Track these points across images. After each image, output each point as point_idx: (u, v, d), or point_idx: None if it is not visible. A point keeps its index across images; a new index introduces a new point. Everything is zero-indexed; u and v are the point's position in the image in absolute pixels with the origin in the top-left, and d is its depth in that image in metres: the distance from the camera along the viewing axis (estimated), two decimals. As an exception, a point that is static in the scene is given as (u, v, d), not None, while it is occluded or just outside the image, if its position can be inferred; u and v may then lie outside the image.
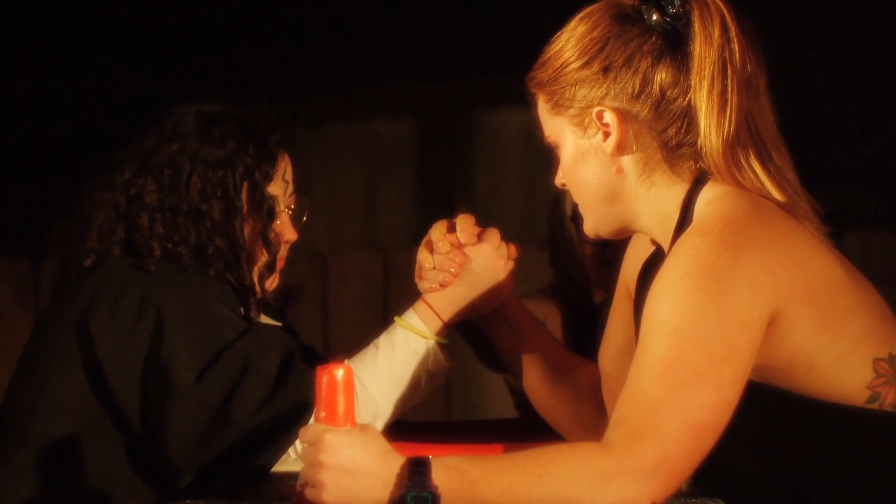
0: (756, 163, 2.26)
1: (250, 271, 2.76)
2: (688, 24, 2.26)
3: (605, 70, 2.27)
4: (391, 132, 5.78)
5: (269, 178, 2.78)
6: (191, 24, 5.49)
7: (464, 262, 2.58)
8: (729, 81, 2.23)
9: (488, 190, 5.68)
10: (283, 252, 2.83)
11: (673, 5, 2.28)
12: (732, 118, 2.24)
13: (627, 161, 2.30)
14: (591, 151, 2.31)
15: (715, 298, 2.10)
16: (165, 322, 2.61)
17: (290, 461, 2.60)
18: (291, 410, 2.54)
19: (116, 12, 5.43)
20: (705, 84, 2.24)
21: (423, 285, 2.62)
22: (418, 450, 2.11)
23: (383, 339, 2.63)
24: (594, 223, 2.37)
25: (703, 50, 2.24)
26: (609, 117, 2.28)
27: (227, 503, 2.42)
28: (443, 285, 2.59)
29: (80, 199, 2.81)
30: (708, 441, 2.09)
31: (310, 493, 2.06)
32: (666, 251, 2.30)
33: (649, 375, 2.08)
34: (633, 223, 2.34)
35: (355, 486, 2.02)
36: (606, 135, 2.29)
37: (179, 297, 2.64)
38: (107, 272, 2.69)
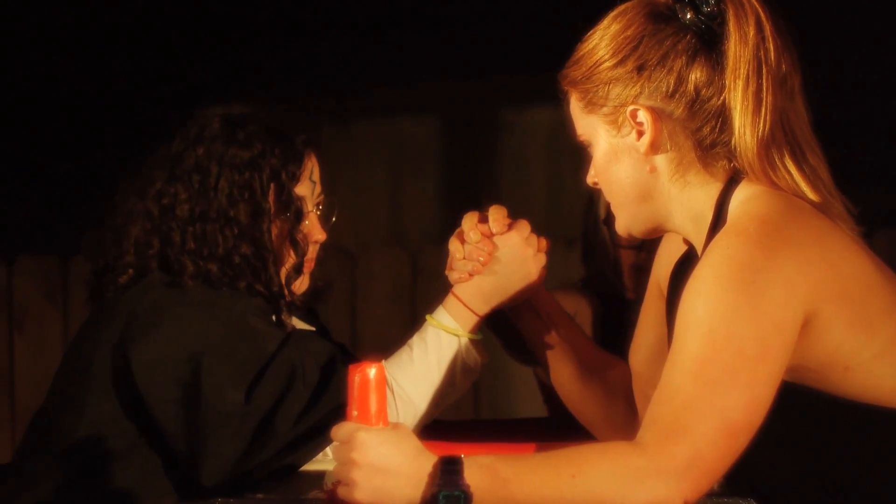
0: (790, 162, 2.25)
1: (278, 274, 2.76)
2: (723, 22, 2.25)
3: (640, 68, 2.27)
4: (417, 130, 5.78)
5: (295, 178, 2.77)
6: (216, 22, 5.49)
7: (493, 251, 2.58)
8: (764, 81, 2.23)
9: (514, 187, 5.67)
10: (311, 253, 2.81)
11: (708, 4, 2.27)
12: (767, 118, 2.23)
13: (661, 160, 2.29)
14: (624, 150, 2.31)
15: (749, 298, 2.10)
16: (205, 346, 2.61)
17: (320, 459, 2.61)
18: (330, 414, 2.54)
19: (146, 13, 5.44)
20: (740, 83, 2.23)
21: (453, 275, 2.62)
22: (450, 449, 2.12)
23: (416, 339, 2.64)
24: (627, 222, 2.36)
25: (738, 49, 2.23)
26: (643, 116, 2.28)
27: (258, 500, 2.42)
28: (472, 274, 2.60)
29: (110, 208, 2.81)
30: (741, 441, 2.08)
31: (342, 491, 2.06)
32: (699, 251, 2.29)
33: (683, 375, 2.08)
34: (665, 222, 2.34)
35: (387, 485, 2.02)
36: (640, 133, 2.29)
37: (216, 317, 2.64)
38: (142, 294, 2.69)
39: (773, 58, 2.24)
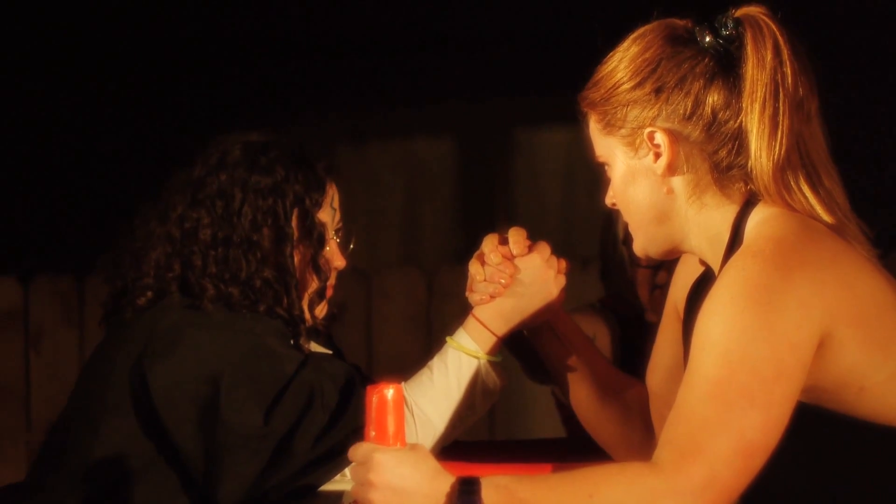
0: (806, 185, 2.25)
1: (300, 299, 2.76)
2: (740, 46, 2.26)
3: (658, 91, 2.28)
4: (432, 150, 5.79)
5: (318, 205, 2.78)
6: (233, 44, 5.51)
7: (514, 273, 2.59)
8: (780, 104, 2.23)
9: (529, 207, 5.68)
10: (332, 279, 2.83)
11: (726, 27, 2.28)
12: (783, 141, 2.24)
13: (678, 182, 2.30)
14: (641, 172, 2.32)
15: (765, 319, 2.10)
16: (224, 367, 2.61)
17: (337, 480, 2.61)
18: (348, 436, 2.54)
19: (164, 33, 5.46)
20: (757, 107, 2.23)
21: (473, 297, 2.62)
22: (467, 469, 2.11)
23: (436, 361, 2.64)
24: (644, 243, 2.37)
25: (756, 73, 2.24)
26: (660, 138, 2.28)
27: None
28: (493, 296, 2.60)
29: (128, 231, 2.82)
30: (757, 462, 2.08)
31: (359, 512, 2.07)
32: (716, 272, 2.30)
33: (699, 395, 2.08)
34: (682, 244, 2.34)
35: (405, 506, 2.02)
36: (657, 155, 2.29)
37: (235, 339, 2.65)
38: (161, 315, 2.69)
39: (790, 81, 2.24)
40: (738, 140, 2.25)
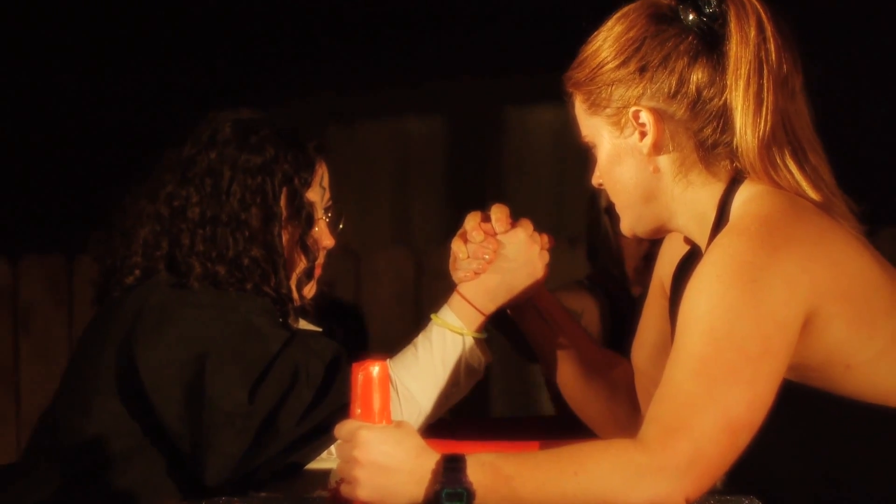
0: (792, 162, 2.26)
1: (288, 278, 2.76)
2: (724, 23, 2.26)
3: (642, 70, 2.27)
4: (422, 130, 5.78)
5: (307, 184, 2.78)
6: (221, 23, 5.50)
7: (497, 248, 2.59)
8: (765, 81, 2.23)
9: (519, 187, 5.67)
10: (320, 259, 2.83)
11: (709, 5, 2.28)
12: (768, 118, 2.24)
13: (664, 161, 2.30)
14: (627, 151, 2.31)
15: (752, 297, 2.10)
16: (209, 347, 2.61)
17: (324, 458, 2.61)
18: (334, 413, 2.55)
19: (151, 12, 5.45)
20: (741, 84, 2.23)
21: (457, 275, 2.63)
22: (453, 447, 2.11)
23: (421, 339, 2.64)
24: (631, 222, 2.37)
25: (740, 50, 2.24)
26: (645, 117, 2.28)
27: (262, 499, 2.43)
28: (477, 273, 2.60)
29: (118, 210, 2.82)
30: (743, 439, 2.08)
31: (345, 489, 2.06)
32: (703, 250, 2.30)
33: (685, 372, 2.09)
34: (669, 222, 2.34)
35: (390, 483, 2.02)
36: (643, 134, 2.29)
37: (220, 317, 2.65)
38: (148, 294, 2.69)
39: (773, 58, 2.24)
40: (723, 117, 2.25)
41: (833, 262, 2.18)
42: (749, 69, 2.24)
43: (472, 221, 2.60)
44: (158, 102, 5.34)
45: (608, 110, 2.31)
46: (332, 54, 5.56)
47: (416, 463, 2.03)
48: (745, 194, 2.25)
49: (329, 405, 2.59)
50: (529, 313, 2.63)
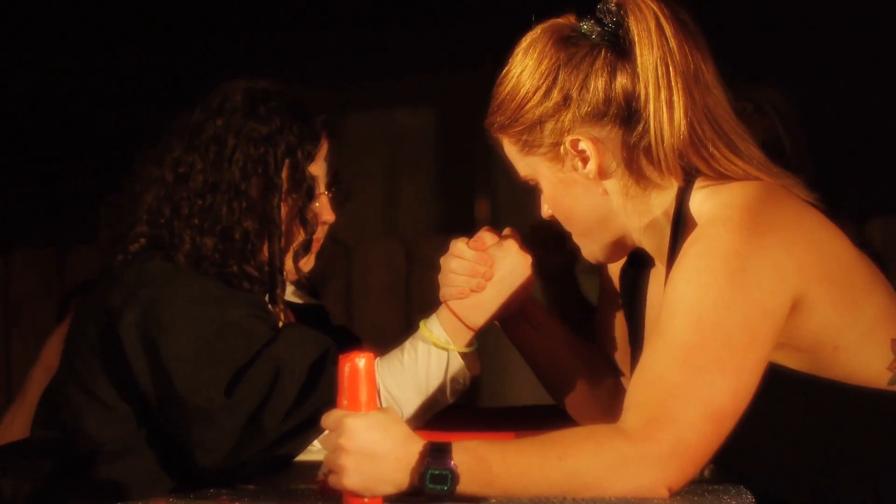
0: (728, 153, 2.23)
1: (284, 251, 2.76)
2: (627, 30, 2.22)
3: (566, 98, 2.23)
4: (412, 122, 5.78)
5: (310, 157, 2.76)
6: (210, 14, 5.50)
7: (493, 265, 2.52)
8: (673, 81, 2.19)
9: (508, 179, 5.67)
10: (319, 233, 2.82)
11: (609, 14, 2.24)
12: (681, 117, 2.20)
13: (610, 180, 2.27)
14: (572, 181, 2.28)
15: (739, 286, 2.10)
16: (189, 345, 2.61)
17: (313, 451, 2.62)
18: (320, 408, 2.54)
19: (140, 4, 5.45)
20: (651, 88, 2.20)
21: (449, 292, 2.55)
22: (437, 436, 2.12)
23: (408, 346, 2.61)
24: (591, 249, 2.34)
25: (644, 53, 2.20)
26: (584, 144, 2.25)
27: (251, 491, 2.43)
28: (474, 291, 2.53)
29: (129, 175, 2.81)
30: (726, 427, 2.09)
31: (332, 479, 2.06)
32: (663, 257, 2.28)
33: (668, 360, 2.09)
34: (626, 239, 2.32)
35: (376, 470, 2.03)
36: (585, 161, 2.26)
37: (203, 315, 2.63)
38: (138, 275, 2.68)
39: (678, 57, 2.20)
40: (652, 123, 2.20)
41: (814, 244, 2.19)
42: (657, 72, 2.19)
43: (459, 245, 2.53)
44: (152, 95, 5.34)
45: (542, 148, 2.27)
46: (322, 46, 5.56)
47: (403, 450, 2.04)
48: (705, 192, 2.23)
49: (316, 401, 2.58)
50: (519, 322, 2.59)
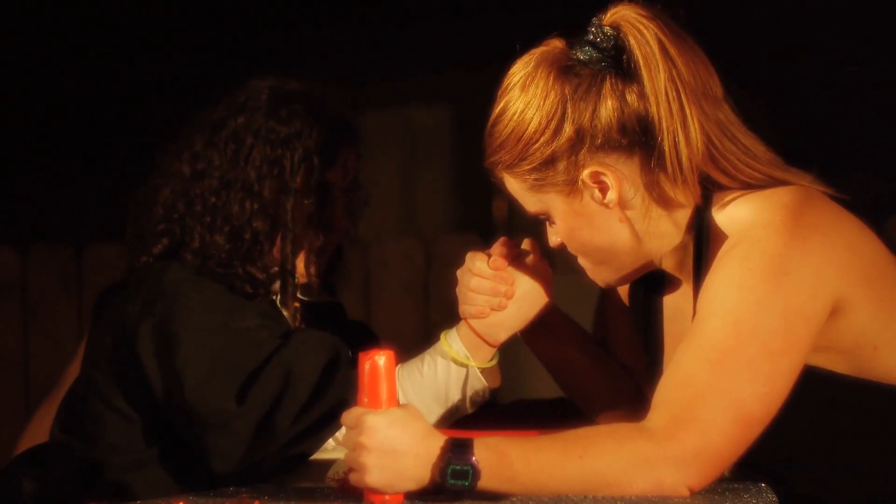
0: (749, 160, 2.21)
1: (295, 255, 2.75)
2: (630, 53, 2.17)
3: (578, 132, 2.17)
4: (429, 119, 5.77)
5: (327, 163, 2.74)
6: (227, 11, 5.50)
7: (513, 282, 2.45)
8: (684, 99, 2.15)
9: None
10: (332, 239, 2.80)
11: (604, 38, 2.18)
12: (699, 133, 2.16)
13: (629, 206, 2.22)
14: (591, 212, 2.23)
15: (781, 290, 2.08)
16: (200, 356, 2.60)
17: (329, 449, 2.61)
18: (332, 409, 2.54)
19: (152, 4, 5.45)
20: (664, 109, 2.15)
21: (469, 310, 2.48)
22: (458, 433, 2.12)
23: (429, 357, 2.58)
24: (607, 277, 2.30)
25: (653, 75, 2.15)
26: (602, 175, 2.20)
27: (270, 489, 2.43)
28: (495, 310, 2.47)
29: (150, 168, 2.80)
30: (754, 432, 2.08)
31: (353, 477, 2.06)
32: (689, 274, 2.25)
33: (701, 361, 2.07)
34: (646, 262, 2.28)
35: (397, 467, 2.03)
36: (604, 191, 2.21)
37: (215, 325, 2.63)
38: (154, 286, 2.67)
39: (685, 74, 2.16)
40: (668, 142, 2.17)
41: (852, 245, 2.17)
42: (667, 93, 2.14)
43: (476, 259, 2.45)
44: (166, 93, 5.34)
45: (556, 185, 2.21)
46: (339, 44, 5.56)
47: (423, 446, 2.03)
48: (734, 202, 2.19)
49: (327, 402, 2.57)
50: (540, 332, 2.54)
